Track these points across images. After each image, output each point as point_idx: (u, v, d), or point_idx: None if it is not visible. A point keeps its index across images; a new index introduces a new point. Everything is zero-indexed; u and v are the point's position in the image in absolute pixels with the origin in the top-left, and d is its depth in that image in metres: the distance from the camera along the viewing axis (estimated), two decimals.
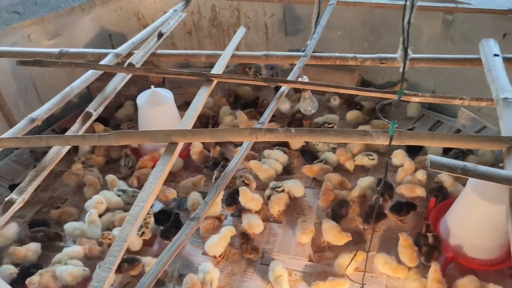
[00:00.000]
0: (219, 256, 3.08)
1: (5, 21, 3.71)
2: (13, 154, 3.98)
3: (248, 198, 3.23)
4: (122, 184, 3.50)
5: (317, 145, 3.76)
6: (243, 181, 3.41)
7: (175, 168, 3.64)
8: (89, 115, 2.55)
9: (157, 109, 3.55)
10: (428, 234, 2.90)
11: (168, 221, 3.20)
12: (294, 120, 4.05)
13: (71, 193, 3.65)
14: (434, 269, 2.73)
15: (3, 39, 3.61)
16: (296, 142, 3.83)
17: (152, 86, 3.58)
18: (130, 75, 2.91)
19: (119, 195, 3.41)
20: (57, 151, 2.35)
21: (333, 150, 3.74)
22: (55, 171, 3.84)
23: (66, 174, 3.60)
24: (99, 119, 4.10)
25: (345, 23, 4.28)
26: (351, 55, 3.05)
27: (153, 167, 3.67)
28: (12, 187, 3.54)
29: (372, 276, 2.93)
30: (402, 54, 1.45)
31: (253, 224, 3.13)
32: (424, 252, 2.88)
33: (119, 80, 2.83)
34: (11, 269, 2.85)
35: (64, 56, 3.16)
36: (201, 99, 2.60)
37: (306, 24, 4.34)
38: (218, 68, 2.90)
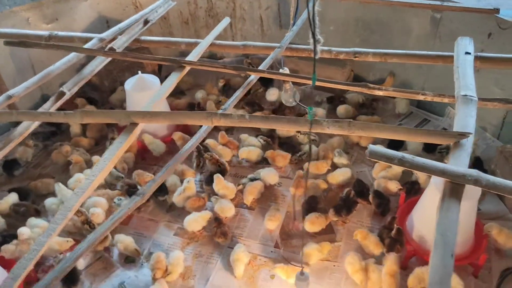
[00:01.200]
0: (198, 231, 3.21)
1: (13, 5, 3.90)
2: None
3: (222, 185, 3.32)
4: None
5: (298, 136, 3.82)
6: (219, 166, 3.49)
7: (158, 152, 3.76)
8: (62, 94, 2.69)
9: (143, 93, 3.67)
10: (393, 226, 2.95)
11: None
12: (280, 111, 4.11)
13: (59, 171, 3.80)
14: (389, 262, 2.76)
15: (2, 22, 3.79)
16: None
17: (139, 72, 3.70)
18: (109, 59, 3.04)
19: None
20: (27, 125, 2.49)
21: (314, 142, 3.79)
22: (47, 149, 4.02)
23: (54, 153, 3.78)
24: (93, 103, 4.33)
25: (338, 18, 4.30)
26: (326, 48, 3.10)
27: (138, 150, 3.86)
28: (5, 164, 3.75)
29: (334, 265, 2.99)
30: (312, 41, 1.51)
31: (225, 208, 3.23)
32: (386, 244, 2.92)
33: (98, 63, 2.96)
34: None
35: (53, 39, 3.31)
36: (169, 84, 2.70)
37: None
38: (194, 56, 2.99)
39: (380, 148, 2.01)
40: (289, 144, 3.82)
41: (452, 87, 3.75)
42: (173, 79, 2.75)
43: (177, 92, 4.67)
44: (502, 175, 3.32)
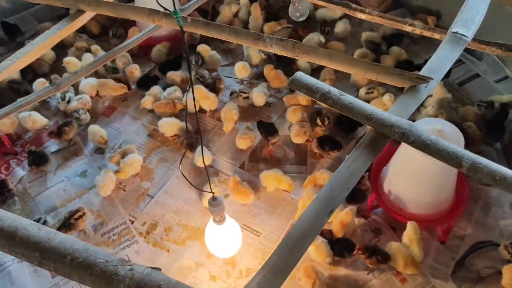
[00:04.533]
0: (171, 137, 3.15)
1: None
2: (32, 9, 4.23)
3: (202, 94, 3.15)
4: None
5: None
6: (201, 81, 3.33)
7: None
8: None
9: None
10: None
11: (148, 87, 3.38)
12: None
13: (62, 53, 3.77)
14: (346, 212, 2.54)
15: None
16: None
17: None
18: None
19: None
20: None
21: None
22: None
23: None
24: None
25: None
26: None
27: (141, 47, 3.76)
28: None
29: (292, 199, 2.82)
30: None
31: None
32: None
33: None
34: None
35: None
36: None
37: None
38: None
39: (308, 77, 1.71)
40: (285, 59, 3.47)
41: (501, 32, 3.14)
42: None
43: None
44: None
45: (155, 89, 3.32)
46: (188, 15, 3.66)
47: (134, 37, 2.29)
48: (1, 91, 3.45)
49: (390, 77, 1.81)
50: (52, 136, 3.12)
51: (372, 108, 1.64)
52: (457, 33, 1.97)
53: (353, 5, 2.22)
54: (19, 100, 1.96)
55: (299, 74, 1.71)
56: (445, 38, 1.99)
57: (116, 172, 2.83)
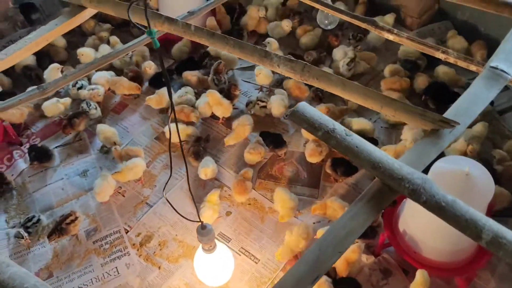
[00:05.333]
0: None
1: None
2: None
3: (216, 101, 2.95)
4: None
5: None
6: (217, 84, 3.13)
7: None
8: None
9: None
10: None
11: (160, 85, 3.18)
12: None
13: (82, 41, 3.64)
14: (352, 249, 2.30)
15: None
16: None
17: None
18: None
19: None
20: None
21: None
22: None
23: None
24: None
25: None
26: None
27: (163, 40, 3.59)
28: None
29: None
30: None
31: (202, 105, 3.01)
32: None
33: None
34: None
35: None
36: None
37: None
38: None
39: (312, 109, 1.48)
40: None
41: None
42: None
43: None
44: None
45: (166, 89, 3.14)
46: (214, 12, 3.61)
47: (136, 40, 2.10)
48: (17, 77, 3.38)
49: (410, 116, 1.57)
50: (66, 130, 2.98)
51: (381, 154, 1.40)
52: (497, 68, 1.70)
53: (380, 24, 1.96)
54: (1, 102, 1.82)
55: (301, 105, 1.49)
56: (482, 72, 1.72)
57: (116, 172, 2.68)
